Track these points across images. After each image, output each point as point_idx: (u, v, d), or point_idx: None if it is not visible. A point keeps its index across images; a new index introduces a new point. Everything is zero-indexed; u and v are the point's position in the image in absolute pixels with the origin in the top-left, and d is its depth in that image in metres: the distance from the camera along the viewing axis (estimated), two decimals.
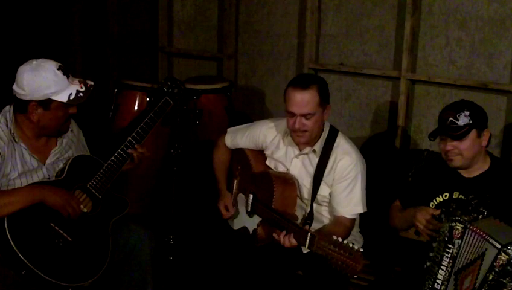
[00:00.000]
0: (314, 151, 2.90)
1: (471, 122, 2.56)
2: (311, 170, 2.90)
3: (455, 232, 2.37)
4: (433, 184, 2.74)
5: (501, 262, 2.26)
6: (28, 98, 2.60)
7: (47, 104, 2.61)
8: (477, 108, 2.64)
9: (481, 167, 2.67)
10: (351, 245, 2.31)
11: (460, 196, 2.66)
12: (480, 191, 2.57)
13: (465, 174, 2.69)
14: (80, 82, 2.68)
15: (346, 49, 4.12)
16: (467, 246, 2.36)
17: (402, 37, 3.81)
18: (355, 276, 2.34)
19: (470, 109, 2.59)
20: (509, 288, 2.27)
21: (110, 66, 5.02)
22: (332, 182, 2.86)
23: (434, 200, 2.71)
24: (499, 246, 2.27)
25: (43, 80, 2.59)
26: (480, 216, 2.41)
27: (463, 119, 2.56)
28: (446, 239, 2.40)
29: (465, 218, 2.38)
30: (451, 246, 2.38)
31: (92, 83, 2.73)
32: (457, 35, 3.73)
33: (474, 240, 2.35)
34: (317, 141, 2.90)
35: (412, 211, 2.65)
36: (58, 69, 2.63)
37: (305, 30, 4.14)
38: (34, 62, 2.63)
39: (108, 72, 5.00)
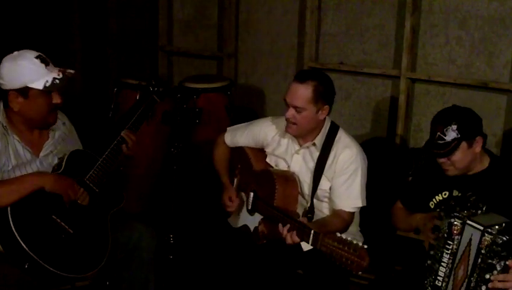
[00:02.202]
0: (314, 144, 2.91)
1: (459, 136, 2.52)
2: (312, 164, 2.90)
3: (454, 228, 2.36)
4: (433, 183, 2.73)
5: (486, 243, 2.26)
6: (8, 88, 2.62)
7: (25, 92, 2.61)
8: (467, 118, 2.59)
9: (480, 167, 2.66)
10: (355, 242, 2.30)
11: (460, 194, 2.64)
12: (479, 189, 2.56)
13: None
14: (59, 70, 2.68)
15: (346, 48, 4.12)
16: (465, 240, 2.36)
17: (402, 36, 3.82)
18: (360, 273, 2.33)
19: (458, 121, 2.53)
20: (500, 268, 2.27)
21: (110, 65, 5.03)
22: (333, 176, 2.87)
23: (434, 199, 2.71)
24: (481, 228, 2.27)
25: (20, 68, 2.60)
26: (479, 211, 2.40)
27: (450, 134, 2.52)
28: (445, 235, 2.39)
29: (464, 213, 2.37)
30: (451, 243, 2.37)
31: (71, 71, 2.72)
32: (457, 34, 3.73)
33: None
34: (318, 135, 2.90)
35: (419, 220, 2.66)
36: (36, 58, 2.64)
37: (305, 29, 4.15)
38: (15, 53, 2.66)
39: (108, 71, 5.01)
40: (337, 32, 4.13)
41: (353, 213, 2.88)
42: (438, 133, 2.55)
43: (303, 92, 2.78)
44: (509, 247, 2.26)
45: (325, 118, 2.89)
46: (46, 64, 2.65)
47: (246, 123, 3.19)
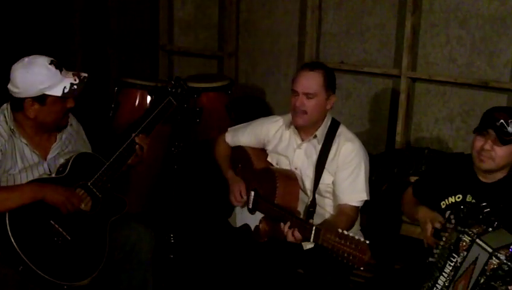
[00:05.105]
0: (315, 136, 2.91)
1: None
2: (314, 158, 2.90)
3: (462, 244, 2.33)
4: (448, 183, 2.70)
5: (492, 266, 2.24)
6: (23, 96, 2.61)
7: (42, 99, 2.61)
8: None
9: (501, 174, 2.62)
10: (357, 237, 2.31)
11: (473, 200, 2.61)
12: (494, 198, 2.53)
13: (482, 178, 2.65)
14: (74, 75, 2.68)
15: (347, 47, 4.12)
16: (471, 257, 2.33)
17: (402, 36, 3.82)
18: (362, 268, 2.34)
19: None
20: None
21: (110, 64, 5.02)
22: (335, 170, 2.86)
23: (446, 200, 2.67)
24: (490, 250, 2.24)
25: (36, 76, 2.59)
26: (490, 229, 2.35)
27: None
28: (452, 248, 2.36)
29: (474, 231, 2.33)
30: (456, 256, 2.34)
31: (85, 74, 2.72)
32: (457, 33, 3.73)
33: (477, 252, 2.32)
34: (319, 127, 2.91)
35: (422, 216, 2.65)
36: (50, 64, 2.62)
37: (305, 28, 4.15)
38: (26, 59, 2.64)
39: (108, 70, 5.00)
40: (338, 31, 4.13)
41: (358, 208, 2.88)
42: (502, 120, 2.51)
43: (315, 78, 2.82)
44: None
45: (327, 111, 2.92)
46: (61, 70, 2.65)
47: (246, 123, 3.20)
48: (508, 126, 2.50)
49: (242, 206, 3.01)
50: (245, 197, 2.97)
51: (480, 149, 2.57)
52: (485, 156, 2.56)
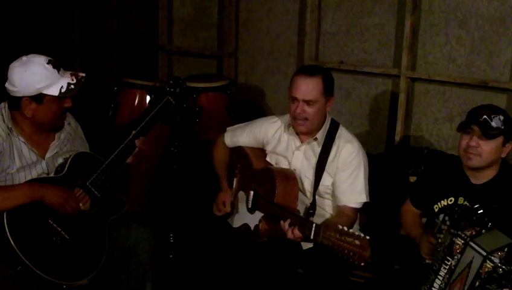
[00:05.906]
0: (316, 139, 2.91)
1: (502, 127, 2.54)
2: (314, 160, 2.90)
3: (456, 247, 2.33)
4: (439, 187, 2.72)
5: (486, 269, 2.23)
6: (20, 94, 2.61)
7: (39, 98, 2.61)
8: (510, 117, 2.62)
9: (491, 173, 2.64)
10: (357, 233, 2.31)
11: (465, 202, 2.62)
12: (486, 199, 2.53)
13: (473, 180, 2.66)
14: (72, 74, 2.68)
15: (346, 47, 4.12)
16: (465, 260, 2.33)
17: (402, 35, 3.82)
18: (362, 264, 2.33)
19: (505, 116, 2.57)
20: None
21: (110, 64, 5.03)
22: (335, 171, 2.86)
23: (439, 203, 2.69)
24: (484, 254, 2.24)
25: (33, 75, 2.59)
26: (483, 231, 2.35)
27: (496, 122, 2.53)
28: (446, 251, 2.36)
29: (467, 233, 2.32)
30: (450, 259, 2.34)
31: (83, 74, 2.72)
32: (457, 33, 3.73)
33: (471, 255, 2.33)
34: (319, 130, 2.91)
35: (418, 235, 2.68)
36: (48, 63, 2.62)
37: (305, 28, 4.15)
38: (24, 58, 2.64)
39: (108, 70, 5.01)
40: (337, 31, 4.13)
41: (357, 209, 2.88)
42: (485, 116, 2.55)
43: (315, 85, 2.80)
44: (509, 277, 2.23)
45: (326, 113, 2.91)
46: (58, 69, 2.65)
47: (245, 123, 3.20)
48: (492, 121, 2.54)
49: (231, 216, 3.07)
50: (228, 209, 3.03)
51: (466, 146, 2.59)
52: (471, 153, 2.58)
